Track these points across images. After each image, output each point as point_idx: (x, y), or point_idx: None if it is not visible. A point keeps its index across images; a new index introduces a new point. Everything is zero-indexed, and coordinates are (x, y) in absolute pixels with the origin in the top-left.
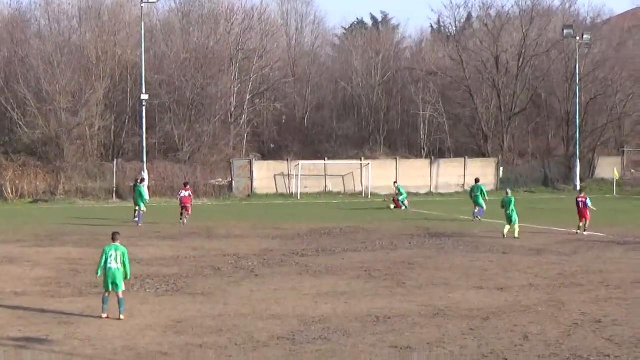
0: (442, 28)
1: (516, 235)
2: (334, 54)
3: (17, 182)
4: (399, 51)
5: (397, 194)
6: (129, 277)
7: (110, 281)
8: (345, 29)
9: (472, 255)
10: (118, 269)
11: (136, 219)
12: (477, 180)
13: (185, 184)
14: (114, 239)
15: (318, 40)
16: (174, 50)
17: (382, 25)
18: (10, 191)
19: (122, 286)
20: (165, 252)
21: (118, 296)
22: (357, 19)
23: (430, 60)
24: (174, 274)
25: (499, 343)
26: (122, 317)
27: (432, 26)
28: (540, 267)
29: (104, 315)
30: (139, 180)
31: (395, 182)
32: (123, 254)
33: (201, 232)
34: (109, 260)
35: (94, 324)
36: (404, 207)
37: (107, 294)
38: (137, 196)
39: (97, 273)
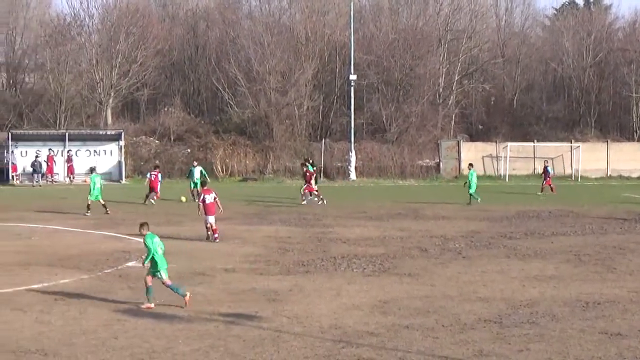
0: None
1: None
2: (544, 35)
3: (227, 160)
4: (612, 32)
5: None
6: None
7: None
8: (555, 9)
9: None
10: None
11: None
12: None
13: (156, 167)
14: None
15: (528, 20)
16: (382, 31)
17: (593, 5)
18: (220, 169)
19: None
20: (372, 232)
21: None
22: None
23: None
24: (380, 254)
25: None
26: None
27: None
28: None
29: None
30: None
31: (546, 161)
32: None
33: (408, 213)
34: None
35: (301, 302)
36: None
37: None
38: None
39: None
